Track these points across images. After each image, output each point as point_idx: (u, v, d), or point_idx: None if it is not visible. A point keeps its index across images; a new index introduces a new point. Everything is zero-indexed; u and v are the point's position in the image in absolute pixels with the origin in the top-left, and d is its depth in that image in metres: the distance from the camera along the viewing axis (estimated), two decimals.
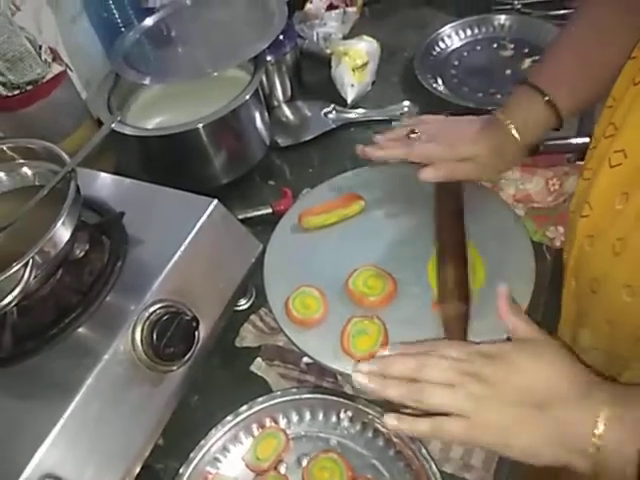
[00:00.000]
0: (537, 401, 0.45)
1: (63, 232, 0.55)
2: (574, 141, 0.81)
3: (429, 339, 0.55)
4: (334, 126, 0.97)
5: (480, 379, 0.47)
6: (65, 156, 0.58)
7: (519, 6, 1.11)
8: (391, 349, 0.53)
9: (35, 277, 0.53)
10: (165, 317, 0.56)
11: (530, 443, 0.45)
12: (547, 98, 0.62)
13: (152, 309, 0.56)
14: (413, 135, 0.69)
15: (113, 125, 0.61)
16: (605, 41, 0.60)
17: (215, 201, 0.64)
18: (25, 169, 0.62)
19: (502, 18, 1.08)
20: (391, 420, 0.49)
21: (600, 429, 0.42)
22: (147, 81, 0.86)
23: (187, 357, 0.58)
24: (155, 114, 0.91)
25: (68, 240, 0.55)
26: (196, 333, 0.58)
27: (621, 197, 0.51)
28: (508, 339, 0.53)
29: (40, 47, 0.80)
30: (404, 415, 0.49)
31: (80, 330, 0.57)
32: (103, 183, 0.72)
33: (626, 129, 0.50)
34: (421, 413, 0.48)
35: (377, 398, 0.62)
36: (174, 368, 0.58)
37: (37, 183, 0.62)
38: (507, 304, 0.52)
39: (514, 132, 0.64)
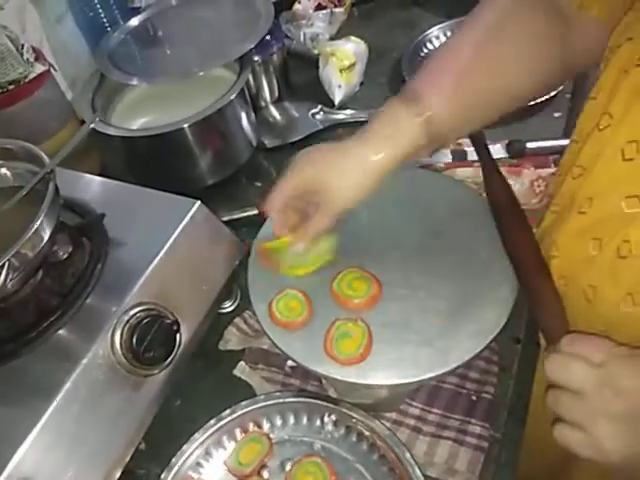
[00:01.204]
0: None
1: (41, 234, 0.54)
2: (560, 143, 0.81)
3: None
4: (321, 127, 0.97)
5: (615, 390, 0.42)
6: (44, 157, 0.57)
7: None
8: None
9: (12, 280, 0.52)
10: (145, 320, 0.55)
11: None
12: (420, 114, 0.52)
13: (132, 312, 0.55)
14: None
15: (92, 126, 0.60)
16: (504, 36, 0.54)
17: (198, 202, 0.64)
18: (4, 170, 0.61)
19: None
20: None
21: None
22: (132, 81, 0.85)
23: (168, 361, 0.57)
24: (140, 114, 0.90)
25: (47, 242, 0.54)
26: (177, 337, 0.57)
27: (593, 242, 0.49)
28: None
29: (22, 46, 0.79)
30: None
31: (60, 333, 0.56)
32: (85, 184, 0.71)
33: (596, 176, 0.49)
34: None
35: (361, 402, 0.61)
36: (155, 372, 0.57)
37: (16, 184, 0.61)
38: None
39: (375, 151, 0.53)
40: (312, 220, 0.57)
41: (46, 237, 0.54)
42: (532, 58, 0.54)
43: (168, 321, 0.57)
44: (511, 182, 0.74)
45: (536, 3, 0.55)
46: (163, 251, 0.60)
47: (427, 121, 0.52)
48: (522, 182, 0.74)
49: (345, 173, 0.55)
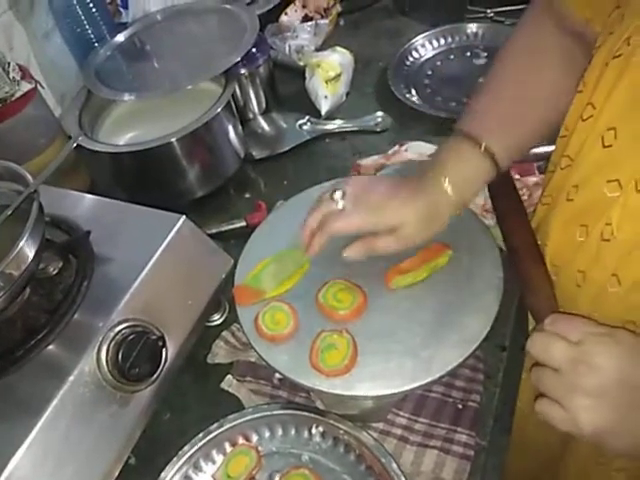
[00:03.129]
0: None
1: (26, 253, 0.54)
2: (544, 149, 0.81)
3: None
4: (309, 137, 0.98)
5: (587, 393, 0.44)
6: (28, 176, 0.58)
7: (492, 14, 1.12)
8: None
9: None
10: (131, 337, 0.56)
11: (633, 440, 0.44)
12: (484, 145, 0.56)
13: (118, 329, 0.56)
14: (336, 195, 0.59)
15: (76, 144, 0.61)
16: (538, 67, 0.58)
17: (183, 217, 0.64)
18: None
19: (475, 27, 1.09)
20: None
21: None
22: (119, 97, 0.86)
23: (154, 377, 0.57)
24: (128, 129, 0.91)
25: (32, 261, 0.55)
26: (163, 352, 0.58)
27: (580, 229, 0.51)
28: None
29: (8, 65, 0.79)
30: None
31: (46, 350, 0.57)
32: (71, 201, 0.71)
33: (581, 164, 0.50)
34: None
35: (348, 413, 0.62)
36: (142, 388, 0.57)
37: (0, 203, 0.61)
38: None
39: (449, 189, 0.56)
40: (382, 240, 0.58)
41: (31, 256, 0.55)
42: (568, 82, 0.56)
43: (154, 337, 0.57)
44: None
45: (562, 35, 0.58)
46: (148, 267, 0.60)
47: (485, 152, 0.56)
48: None
49: (420, 210, 0.56)
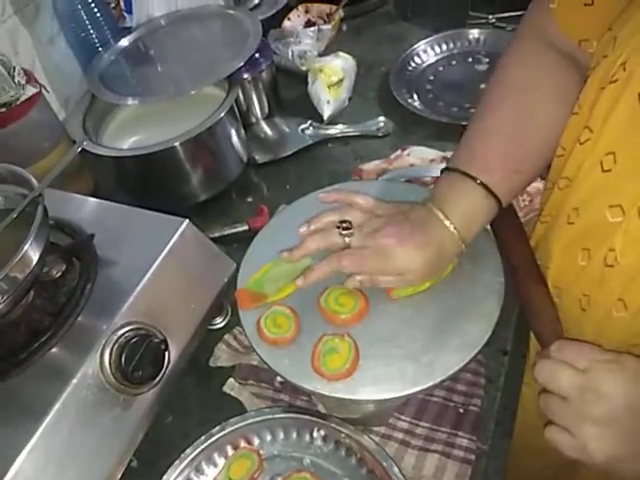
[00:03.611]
0: None
1: (30, 256, 0.55)
2: None
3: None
4: (311, 142, 0.98)
5: (594, 421, 0.44)
6: (33, 180, 0.58)
7: (493, 20, 1.13)
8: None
9: (2, 302, 0.53)
10: (134, 340, 0.56)
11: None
12: (486, 186, 0.56)
13: (121, 332, 0.56)
14: (344, 232, 0.59)
15: (80, 148, 0.61)
16: (533, 104, 0.58)
17: (186, 221, 0.64)
18: None
19: (477, 32, 1.09)
20: None
21: None
22: (123, 101, 0.87)
23: (157, 380, 0.58)
24: (131, 133, 0.92)
25: (36, 264, 0.55)
26: (165, 355, 0.58)
27: (582, 252, 0.51)
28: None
29: (14, 69, 0.80)
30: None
31: (50, 353, 0.57)
32: (75, 205, 0.72)
33: (580, 187, 0.50)
34: None
35: (349, 417, 0.62)
36: (144, 390, 0.58)
37: (5, 207, 0.62)
38: None
39: (454, 232, 0.57)
40: (386, 279, 0.59)
41: (35, 259, 0.55)
42: (564, 115, 0.56)
43: (156, 340, 0.57)
44: None
45: (557, 59, 0.57)
46: (152, 270, 0.60)
47: (483, 186, 0.56)
48: None
49: (428, 258, 0.57)
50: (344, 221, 0.59)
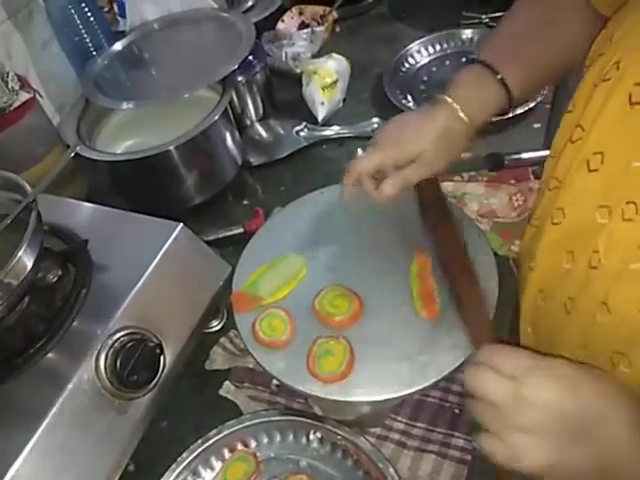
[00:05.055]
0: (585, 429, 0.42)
1: (25, 262, 0.55)
2: (539, 154, 0.82)
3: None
4: (306, 144, 0.98)
5: (523, 429, 0.43)
6: (27, 186, 0.58)
7: (487, 20, 1.13)
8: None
9: None
10: (129, 344, 0.56)
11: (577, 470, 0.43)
12: (500, 76, 0.59)
13: (116, 337, 0.56)
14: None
15: (73, 153, 0.61)
16: (553, 20, 0.60)
17: (180, 225, 0.64)
18: None
19: (470, 32, 1.09)
20: None
21: None
22: (117, 106, 0.87)
23: (152, 384, 0.58)
24: (126, 137, 0.92)
25: (30, 270, 0.55)
26: (161, 360, 0.58)
27: (567, 255, 0.50)
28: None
29: (7, 75, 0.80)
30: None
31: (45, 358, 0.57)
32: (70, 210, 0.72)
33: (567, 187, 0.50)
34: None
35: (345, 418, 0.62)
36: (140, 395, 0.58)
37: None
38: None
39: (462, 115, 0.59)
40: (409, 168, 0.61)
41: (30, 265, 0.55)
42: (583, 33, 0.57)
43: (152, 344, 0.57)
44: (490, 196, 0.76)
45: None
46: (146, 274, 0.60)
47: (501, 81, 0.59)
48: (501, 196, 0.75)
49: (436, 136, 0.60)
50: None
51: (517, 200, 0.74)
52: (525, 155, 0.82)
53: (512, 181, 0.78)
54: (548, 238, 0.53)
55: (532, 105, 0.89)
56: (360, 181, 0.62)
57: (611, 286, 0.46)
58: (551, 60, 0.60)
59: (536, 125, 0.91)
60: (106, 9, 1.11)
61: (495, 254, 0.67)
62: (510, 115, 0.84)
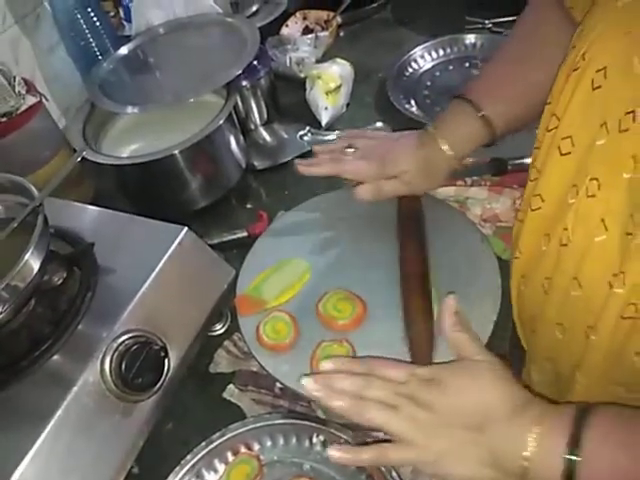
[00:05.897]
0: (474, 423, 0.45)
1: (31, 265, 0.55)
2: None
3: (366, 356, 0.55)
4: (309, 148, 0.98)
5: (418, 403, 0.47)
6: (33, 190, 0.59)
7: (490, 25, 1.13)
8: (332, 363, 0.52)
9: (3, 311, 0.54)
10: (134, 347, 0.56)
11: (468, 465, 0.45)
12: (482, 113, 0.63)
13: (121, 339, 0.57)
14: (349, 150, 0.71)
15: (79, 160, 0.62)
16: (538, 52, 0.63)
17: (185, 229, 0.65)
18: None
19: (473, 37, 1.10)
20: (335, 452, 0.48)
21: (528, 449, 0.42)
22: (123, 110, 0.87)
23: (157, 387, 0.58)
24: (131, 141, 0.92)
25: (37, 273, 0.56)
26: (165, 362, 0.59)
27: (544, 238, 0.52)
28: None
29: (14, 79, 0.81)
30: (347, 446, 0.50)
31: (51, 361, 0.57)
32: (76, 213, 0.72)
33: (544, 173, 0.52)
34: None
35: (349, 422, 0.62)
36: (144, 397, 0.58)
37: (6, 216, 0.62)
38: (452, 319, 0.52)
39: (445, 147, 0.64)
40: (389, 182, 0.67)
41: (36, 268, 0.55)
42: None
43: (156, 347, 0.58)
44: (493, 200, 0.76)
45: (562, 15, 0.60)
46: (151, 278, 0.61)
47: (484, 118, 0.63)
48: (504, 201, 0.75)
49: (419, 161, 0.66)
50: (350, 146, 0.71)
51: (520, 204, 0.74)
52: (528, 160, 0.82)
53: (515, 185, 0.79)
54: (529, 225, 0.54)
55: None
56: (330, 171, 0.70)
57: (580, 261, 0.48)
58: (537, 93, 0.61)
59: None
60: (112, 14, 1.12)
61: (498, 258, 0.67)
62: None
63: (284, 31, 1.18)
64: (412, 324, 0.61)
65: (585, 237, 0.47)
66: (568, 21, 0.59)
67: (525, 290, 0.57)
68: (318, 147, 0.75)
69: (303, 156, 0.98)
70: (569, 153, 0.49)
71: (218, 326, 0.74)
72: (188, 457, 0.62)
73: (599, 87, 0.46)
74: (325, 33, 1.13)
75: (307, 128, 1.01)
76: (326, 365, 0.51)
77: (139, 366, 0.57)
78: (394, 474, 0.57)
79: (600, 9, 0.47)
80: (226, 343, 0.72)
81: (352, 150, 0.71)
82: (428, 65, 1.09)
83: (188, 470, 0.62)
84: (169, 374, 0.60)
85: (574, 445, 0.41)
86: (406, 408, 0.47)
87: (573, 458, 0.41)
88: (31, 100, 0.81)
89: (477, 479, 0.45)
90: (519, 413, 0.45)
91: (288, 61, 1.09)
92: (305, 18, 1.22)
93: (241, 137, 0.94)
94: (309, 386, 0.49)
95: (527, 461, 0.42)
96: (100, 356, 0.56)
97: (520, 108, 0.64)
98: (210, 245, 0.70)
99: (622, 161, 0.44)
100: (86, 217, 0.72)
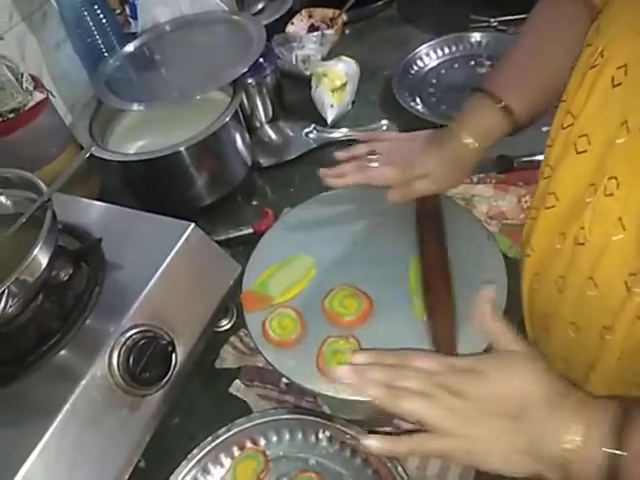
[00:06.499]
0: (511, 412, 0.45)
1: (40, 260, 0.55)
2: None
3: (405, 348, 0.54)
4: (315, 146, 0.99)
5: (453, 392, 0.46)
6: (42, 185, 0.59)
7: (495, 23, 1.13)
8: (365, 355, 0.51)
9: (12, 305, 0.54)
10: (141, 342, 0.57)
11: (503, 454, 0.44)
12: (502, 104, 0.63)
13: (128, 334, 0.57)
14: (372, 156, 0.70)
15: (87, 156, 0.62)
16: (554, 38, 0.63)
17: (192, 225, 0.65)
18: (3, 198, 0.63)
19: (478, 35, 1.10)
20: (373, 441, 0.47)
21: (568, 438, 0.42)
22: (129, 107, 0.88)
23: (164, 381, 0.58)
24: (137, 138, 0.93)
25: (45, 268, 0.56)
26: (172, 357, 0.59)
27: (559, 237, 0.52)
28: (486, 350, 0.53)
29: (22, 75, 0.81)
30: (385, 436, 0.48)
31: (58, 355, 0.58)
32: (83, 209, 0.73)
33: (558, 171, 0.52)
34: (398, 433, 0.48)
35: (355, 417, 0.63)
36: (152, 392, 0.59)
37: (15, 211, 0.63)
38: (489, 309, 0.50)
39: (469, 140, 0.64)
40: (419, 182, 0.66)
41: (44, 263, 0.56)
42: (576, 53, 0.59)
43: (164, 342, 0.58)
44: (499, 198, 0.76)
45: (577, 6, 0.60)
46: (158, 273, 0.61)
47: (504, 108, 0.62)
48: (510, 198, 0.75)
49: (444, 159, 0.65)
50: (373, 152, 0.71)
51: (526, 202, 0.75)
52: (534, 158, 0.82)
53: (521, 183, 0.79)
54: (543, 223, 0.54)
55: None
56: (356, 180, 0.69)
57: (596, 260, 0.48)
58: (555, 81, 0.61)
59: (545, 128, 0.91)
60: (118, 11, 1.13)
61: (504, 256, 0.67)
62: None
63: (290, 29, 1.18)
64: (434, 317, 0.60)
65: (602, 236, 0.47)
66: (583, 14, 0.59)
67: (538, 288, 0.57)
68: (340, 154, 0.73)
69: (308, 154, 0.98)
70: (585, 151, 0.49)
71: (224, 322, 0.75)
72: (194, 452, 0.62)
73: (619, 84, 0.45)
74: (331, 31, 1.14)
75: (312, 126, 1.01)
76: (359, 357, 0.50)
77: (146, 361, 0.57)
78: (399, 469, 0.57)
79: (617, 6, 0.47)
80: (232, 339, 0.73)
81: (376, 156, 0.70)
82: (433, 63, 1.09)
83: (194, 465, 0.62)
84: (176, 369, 0.60)
85: (618, 440, 0.40)
86: (442, 397, 0.46)
87: (617, 452, 0.40)
88: (38, 97, 0.82)
89: (514, 469, 0.44)
90: (558, 402, 0.44)
91: (294, 59, 1.09)
92: (311, 16, 1.22)
93: (247, 134, 0.94)
94: (343, 374, 0.48)
95: (569, 452, 0.42)
96: (108, 350, 0.56)
97: (539, 95, 0.64)
98: (216, 241, 0.71)
99: None
100: (93, 213, 0.73)
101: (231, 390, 0.69)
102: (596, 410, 0.43)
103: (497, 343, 0.50)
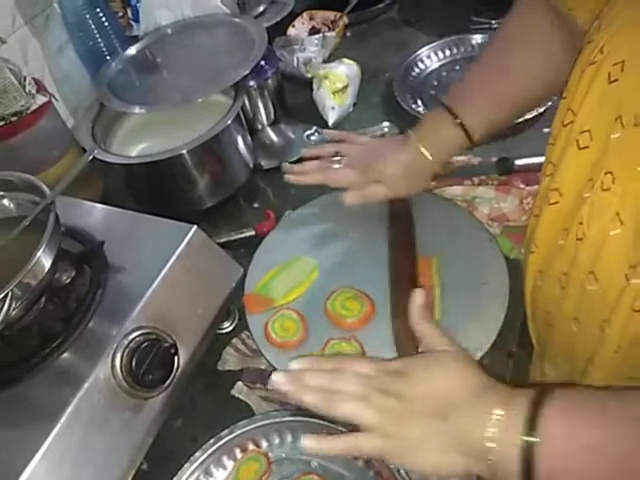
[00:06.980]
0: (440, 412, 0.46)
1: (43, 263, 0.56)
2: None
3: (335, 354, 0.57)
4: None
5: (386, 394, 0.47)
6: (44, 188, 0.60)
7: (496, 25, 1.13)
8: (301, 362, 0.52)
9: (15, 308, 0.54)
10: (144, 344, 0.57)
11: (434, 454, 0.45)
12: (458, 121, 0.64)
13: (131, 337, 0.57)
14: (336, 157, 0.73)
15: (89, 159, 0.62)
16: (517, 55, 0.64)
17: (194, 227, 0.65)
18: (6, 201, 0.63)
19: (480, 38, 1.10)
20: (309, 441, 0.49)
21: (490, 430, 0.42)
22: (131, 109, 0.88)
23: (167, 383, 0.59)
24: (140, 140, 0.93)
25: (48, 270, 0.56)
26: (175, 359, 0.59)
27: (562, 233, 0.52)
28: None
29: (24, 79, 0.81)
30: (322, 436, 0.49)
31: (62, 358, 0.58)
32: (86, 211, 0.73)
33: (561, 168, 0.52)
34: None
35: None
36: (154, 394, 0.59)
37: (18, 214, 0.63)
38: (419, 313, 0.53)
39: (424, 151, 0.66)
40: (374, 186, 0.69)
41: (47, 266, 0.56)
42: (546, 67, 0.62)
43: (166, 344, 0.58)
44: (500, 200, 0.76)
45: (552, 19, 0.60)
46: (161, 276, 0.61)
47: (461, 125, 0.65)
48: (512, 200, 0.75)
49: (402, 166, 0.68)
50: (337, 153, 0.74)
51: (528, 203, 0.75)
52: (534, 160, 0.82)
53: (522, 185, 0.79)
54: (546, 219, 0.55)
55: (542, 110, 0.90)
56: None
57: (595, 255, 0.48)
58: (524, 94, 0.64)
59: (546, 130, 0.91)
60: (120, 14, 1.13)
61: (506, 258, 0.68)
62: (519, 120, 0.85)
63: (291, 31, 1.18)
64: (398, 318, 0.61)
65: (600, 231, 0.47)
66: (556, 26, 0.60)
67: (542, 285, 0.57)
68: (306, 152, 0.77)
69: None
70: (587, 147, 0.49)
71: (226, 324, 0.75)
72: (197, 454, 0.62)
73: (615, 80, 0.46)
74: (332, 33, 1.14)
75: (314, 128, 1.01)
76: (295, 365, 0.51)
77: (149, 363, 0.57)
78: (402, 471, 0.58)
79: (619, 4, 0.47)
80: (234, 341, 0.73)
81: (339, 158, 0.73)
82: (435, 65, 1.09)
83: (197, 467, 0.62)
84: (179, 371, 0.60)
85: (531, 426, 0.41)
86: (375, 399, 0.47)
87: (530, 439, 0.41)
88: (41, 100, 0.82)
89: (445, 467, 0.45)
90: (479, 396, 0.45)
91: (295, 61, 1.10)
92: (312, 18, 1.23)
93: (248, 137, 0.94)
94: (279, 381, 0.49)
95: (490, 442, 0.42)
96: (111, 353, 0.56)
97: (500, 114, 0.66)
98: (218, 244, 0.71)
99: (637, 155, 0.44)
100: (96, 215, 0.73)
101: (233, 392, 0.69)
102: (516, 396, 0.44)
103: (426, 344, 0.51)
